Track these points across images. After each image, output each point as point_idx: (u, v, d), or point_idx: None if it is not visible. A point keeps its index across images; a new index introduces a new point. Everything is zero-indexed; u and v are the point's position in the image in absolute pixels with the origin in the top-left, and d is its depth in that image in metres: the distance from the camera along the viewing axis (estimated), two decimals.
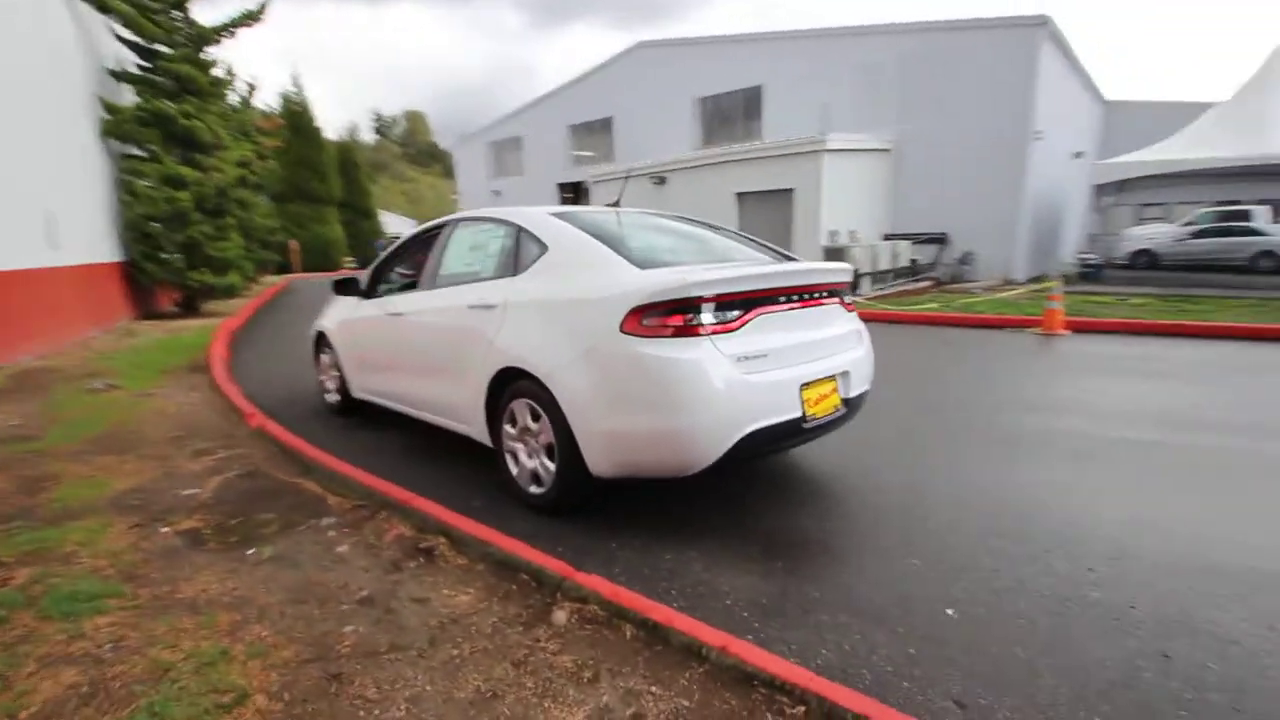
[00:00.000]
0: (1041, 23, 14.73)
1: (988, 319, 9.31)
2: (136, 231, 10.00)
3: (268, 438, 4.37)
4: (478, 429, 3.53)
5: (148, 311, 10.99)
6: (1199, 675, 1.93)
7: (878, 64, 16.71)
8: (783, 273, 3.00)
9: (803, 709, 1.67)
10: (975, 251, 16.05)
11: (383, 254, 4.71)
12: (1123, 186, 17.30)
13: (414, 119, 74.56)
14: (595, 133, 23.36)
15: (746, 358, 2.78)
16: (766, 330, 2.89)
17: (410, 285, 4.93)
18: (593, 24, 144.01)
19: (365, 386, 4.72)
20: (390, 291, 4.69)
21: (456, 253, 3.95)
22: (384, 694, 1.86)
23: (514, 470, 3.31)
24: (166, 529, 3.05)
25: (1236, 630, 2.14)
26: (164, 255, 10.20)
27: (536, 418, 3.10)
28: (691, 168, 16.52)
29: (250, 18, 11.28)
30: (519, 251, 3.41)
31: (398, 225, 43.27)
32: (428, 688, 1.88)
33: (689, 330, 2.68)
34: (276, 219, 14.00)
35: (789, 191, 14.87)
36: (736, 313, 2.80)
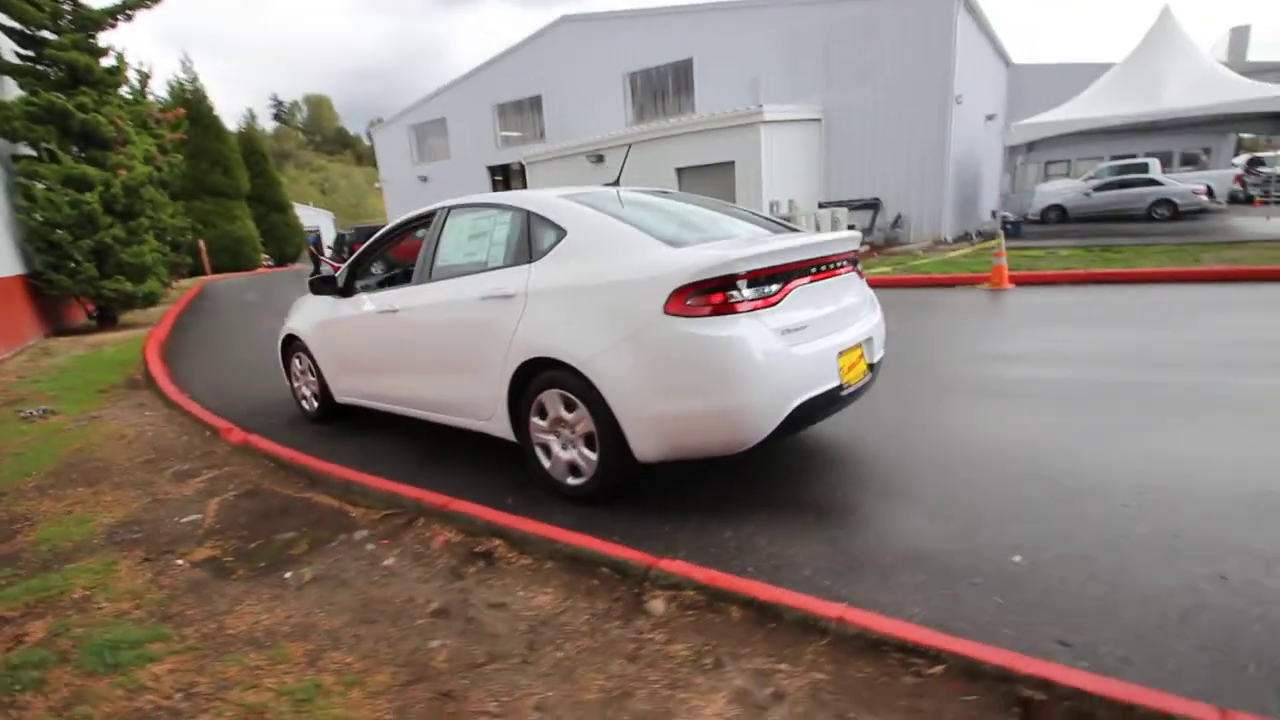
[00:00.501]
0: None
1: (938, 278, 9.73)
2: (40, 240, 9.03)
3: (256, 453, 4.08)
4: (499, 425, 3.41)
5: (60, 327, 10.00)
6: (1257, 591, 2.10)
7: (804, 34, 16.94)
8: (813, 244, 3.02)
9: (940, 668, 1.71)
10: (906, 215, 16.71)
11: (360, 249, 4.43)
12: (1032, 145, 18.31)
13: (317, 104, 70.37)
14: (524, 112, 22.72)
15: (789, 330, 2.79)
16: (801, 302, 2.91)
17: (396, 280, 4.72)
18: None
19: (352, 390, 4.46)
20: (372, 288, 4.44)
21: (454, 242, 3.76)
22: (506, 706, 1.78)
23: (546, 464, 3.22)
24: (181, 560, 2.81)
25: (1273, 548, 2.34)
26: (73, 264, 9.27)
27: (571, 407, 3.02)
28: (630, 144, 16.34)
29: None
30: (531, 237, 3.27)
31: (314, 219, 41.05)
32: (549, 694, 1.82)
33: (733, 307, 2.66)
34: (185, 218, 12.90)
35: (729, 164, 14.98)
36: (775, 286, 2.80)
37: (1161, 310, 6.71)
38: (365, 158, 71.76)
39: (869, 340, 3.29)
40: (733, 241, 3.01)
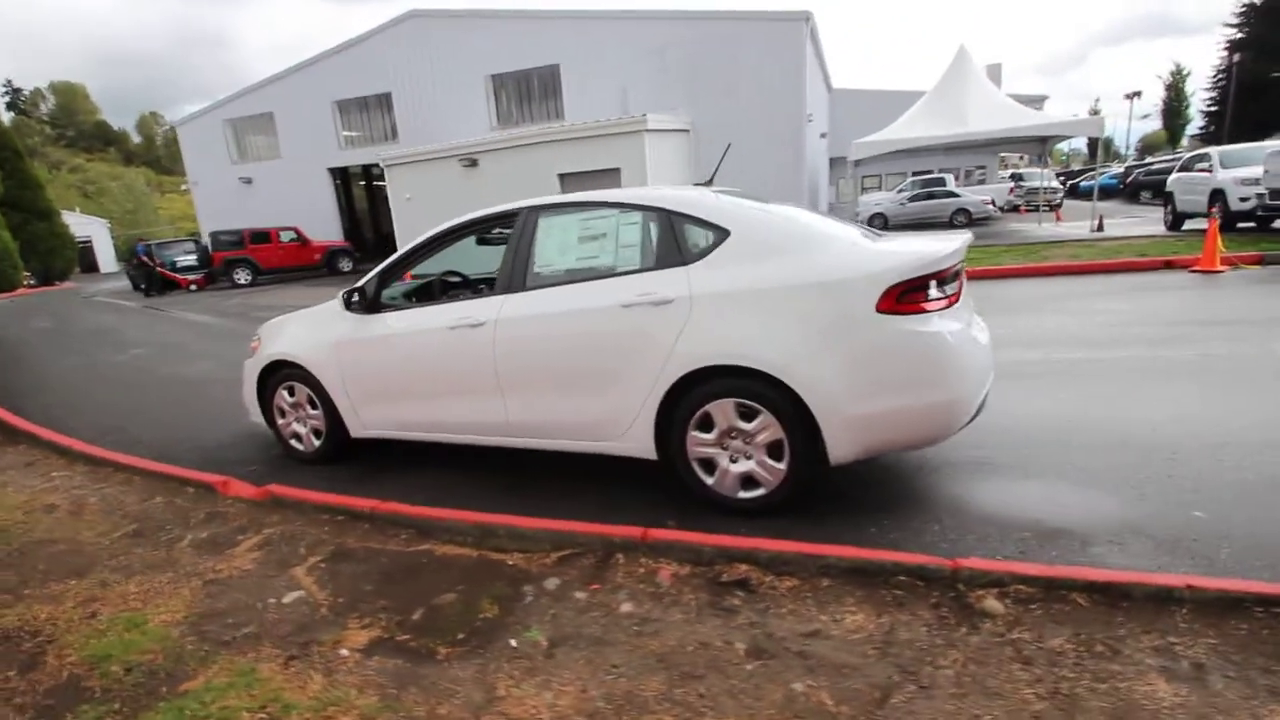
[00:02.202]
0: (806, 17, 16.84)
1: None
2: None
3: (300, 507, 3.31)
4: (635, 444, 3.11)
5: None
6: None
7: (669, 48, 17.58)
8: (966, 244, 3.14)
9: None
10: None
11: (392, 258, 3.79)
12: (859, 161, 20.71)
13: (68, 92, 58.30)
14: (370, 109, 20.89)
15: (966, 326, 2.90)
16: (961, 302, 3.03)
17: (433, 292, 4.15)
18: None
19: (387, 421, 3.80)
20: (402, 303, 3.83)
21: (556, 246, 3.36)
22: None
23: (708, 479, 3.01)
24: (344, 650, 2.20)
25: None
26: None
27: (750, 416, 2.86)
28: (508, 148, 15.77)
29: None
30: (679, 239, 3.04)
31: (85, 227, 34.35)
32: (998, 714, 1.70)
33: (936, 303, 2.71)
34: None
35: (615, 171, 15.03)
36: (954, 286, 2.89)
37: (1056, 299, 7.84)
38: (137, 156, 61.31)
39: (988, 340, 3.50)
40: (922, 240, 3.01)
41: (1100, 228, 14.74)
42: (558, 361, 3.20)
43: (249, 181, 22.70)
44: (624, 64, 17.93)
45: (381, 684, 2.02)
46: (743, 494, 2.96)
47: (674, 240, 3.04)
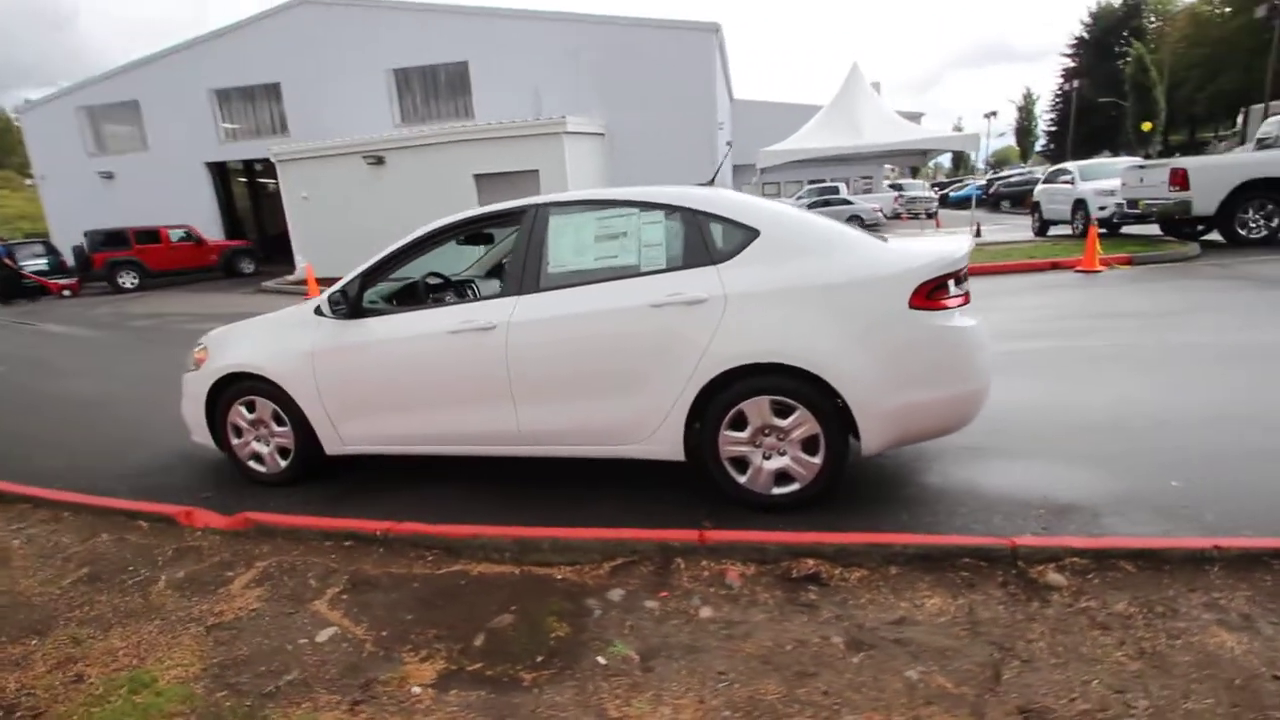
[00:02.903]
0: (715, 29, 17.35)
1: None
2: None
3: (293, 534, 2.96)
4: (662, 446, 3.06)
5: None
6: None
7: (580, 50, 17.50)
8: (973, 246, 3.31)
9: None
10: None
11: (375, 259, 3.49)
12: (764, 170, 21.62)
13: None
14: (255, 100, 19.22)
15: (979, 322, 3.08)
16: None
17: (435, 294, 3.88)
18: None
19: (374, 435, 3.49)
20: (386, 307, 3.56)
21: (570, 245, 3.23)
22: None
23: (740, 478, 3.01)
24: (414, 688, 1.99)
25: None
26: None
27: (784, 413, 2.89)
28: (418, 146, 15.08)
29: None
30: (707, 238, 3.02)
31: None
32: (1130, 678, 1.81)
33: (956, 300, 2.86)
34: None
35: (533, 173, 14.78)
36: (966, 284, 3.06)
37: (1005, 295, 8.22)
38: None
39: None
40: (932, 241, 3.15)
41: (979, 233, 16.21)
42: (580, 365, 3.08)
43: (110, 176, 20.20)
44: (536, 64, 17.65)
45: (474, 719, 1.85)
46: (776, 490, 2.99)
47: (701, 239, 3.02)
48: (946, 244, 2.96)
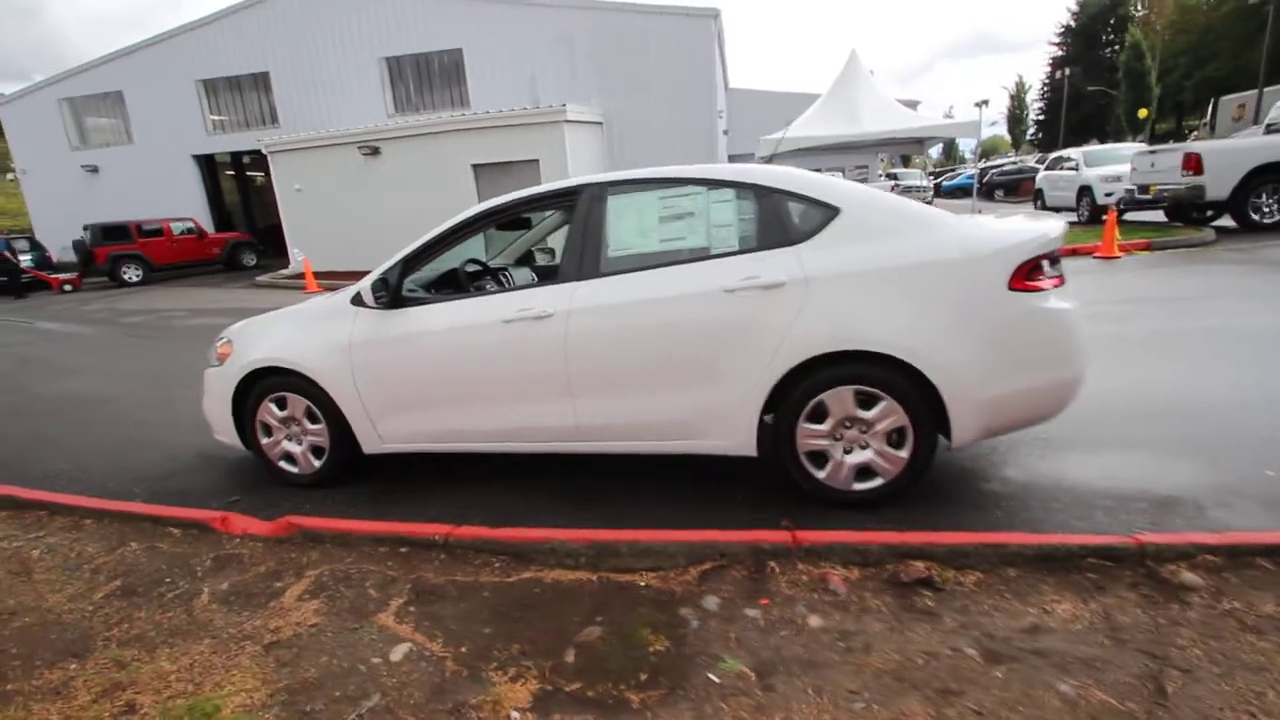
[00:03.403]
0: (714, 15, 17.08)
1: None
2: None
3: (331, 538, 2.75)
4: (735, 440, 2.87)
5: None
6: None
7: (577, 39, 17.18)
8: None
9: None
10: None
11: (417, 243, 3.27)
12: (771, 158, 21.41)
13: None
14: (244, 91, 18.73)
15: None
16: None
17: (477, 283, 3.67)
18: None
19: (418, 432, 3.28)
20: (427, 296, 3.35)
21: (632, 227, 3.02)
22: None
23: (820, 473, 2.83)
24: (513, 712, 1.79)
25: None
26: None
27: (869, 404, 2.71)
28: (414, 136, 14.72)
29: None
30: (783, 217, 2.83)
31: None
32: None
33: (1052, 281, 2.69)
34: None
35: (534, 162, 14.46)
36: (1059, 265, 2.87)
37: None
38: None
39: None
40: (1020, 219, 2.95)
41: None
42: (646, 355, 2.88)
43: (94, 170, 19.62)
44: (531, 52, 17.31)
45: None
46: (858, 485, 2.81)
47: (777, 219, 2.83)
48: (1038, 223, 2.77)
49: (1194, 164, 10.15)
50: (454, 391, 3.17)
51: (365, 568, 2.57)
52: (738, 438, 2.88)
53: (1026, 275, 2.60)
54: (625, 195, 3.05)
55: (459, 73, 17.71)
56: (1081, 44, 50.39)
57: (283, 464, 3.56)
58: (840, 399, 2.72)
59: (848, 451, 2.80)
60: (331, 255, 15.28)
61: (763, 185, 2.86)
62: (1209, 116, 29.53)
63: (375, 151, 14.92)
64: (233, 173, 23.02)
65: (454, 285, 3.61)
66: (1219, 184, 9.95)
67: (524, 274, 4.48)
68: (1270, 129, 11.25)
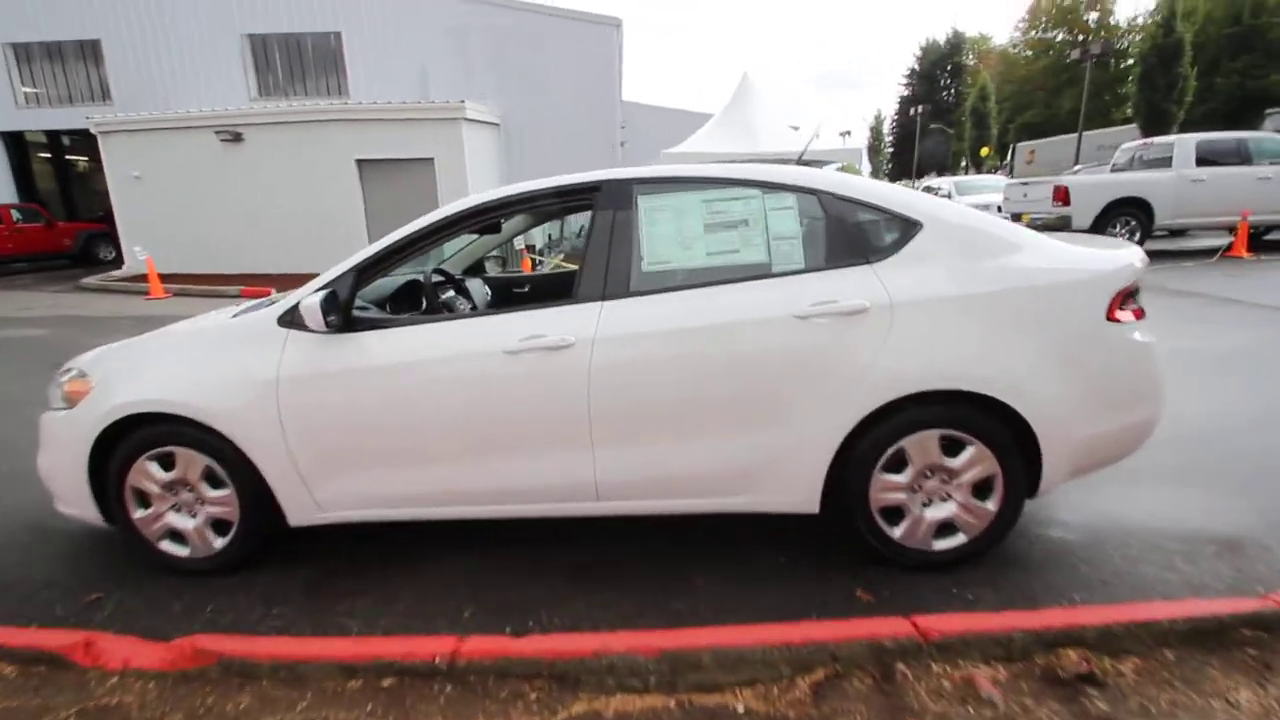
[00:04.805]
0: (617, 24, 16.77)
1: None
2: None
3: (268, 671, 1.91)
4: (796, 495, 2.38)
5: None
6: None
7: (472, 33, 16.15)
8: None
9: None
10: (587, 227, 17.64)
11: (376, 248, 2.47)
12: None
13: None
14: (67, 60, 15.71)
15: None
16: None
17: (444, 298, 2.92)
18: None
19: (374, 495, 2.47)
20: (408, 314, 2.59)
21: (672, 236, 2.42)
22: None
23: (894, 531, 2.40)
24: None
25: None
26: None
27: (955, 450, 2.33)
28: (288, 123, 13.03)
29: None
30: (856, 229, 2.38)
31: None
32: None
33: (1138, 311, 2.45)
34: None
35: (428, 161, 13.31)
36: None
37: None
38: None
39: None
40: (1100, 246, 2.68)
41: None
42: (691, 394, 2.31)
43: None
44: (422, 43, 16.04)
45: None
46: (938, 544, 2.41)
47: (850, 232, 2.37)
48: (1119, 249, 2.52)
49: (1063, 196, 11.19)
50: (431, 442, 2.41)
51: (333, 717, 1.77)
52: (798, 492, 2.38)
53: (1120, 304, 2.33)
54: (660, 196, 2.46)
55: (336, 59, 16.03)
56: (925, 86, 55.98)
57: (166, 545, 2.59)
58: (924, 445, 2.31)
59: (927, 505, 2.39)
60: (179, 255, 13.13)
61: (831, 192, 2.39)
62: (1009, 159, 33.88)
63: (237, 138, 13.02)
64: (48, 155, 19.35)
65: (415, 302, 2.83)
66: (1083, 214, 11.03)
67: (477, 287, 3.74)
68: (1115, 169, 12.70)
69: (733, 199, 2.44)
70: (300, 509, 2.51)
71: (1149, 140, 12.65)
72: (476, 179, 14.01)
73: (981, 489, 2.36)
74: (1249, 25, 33.50)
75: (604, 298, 2.35)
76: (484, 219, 2.58)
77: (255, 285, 11.60)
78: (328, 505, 2.51)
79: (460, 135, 13.29)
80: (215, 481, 2.50)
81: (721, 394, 2.30)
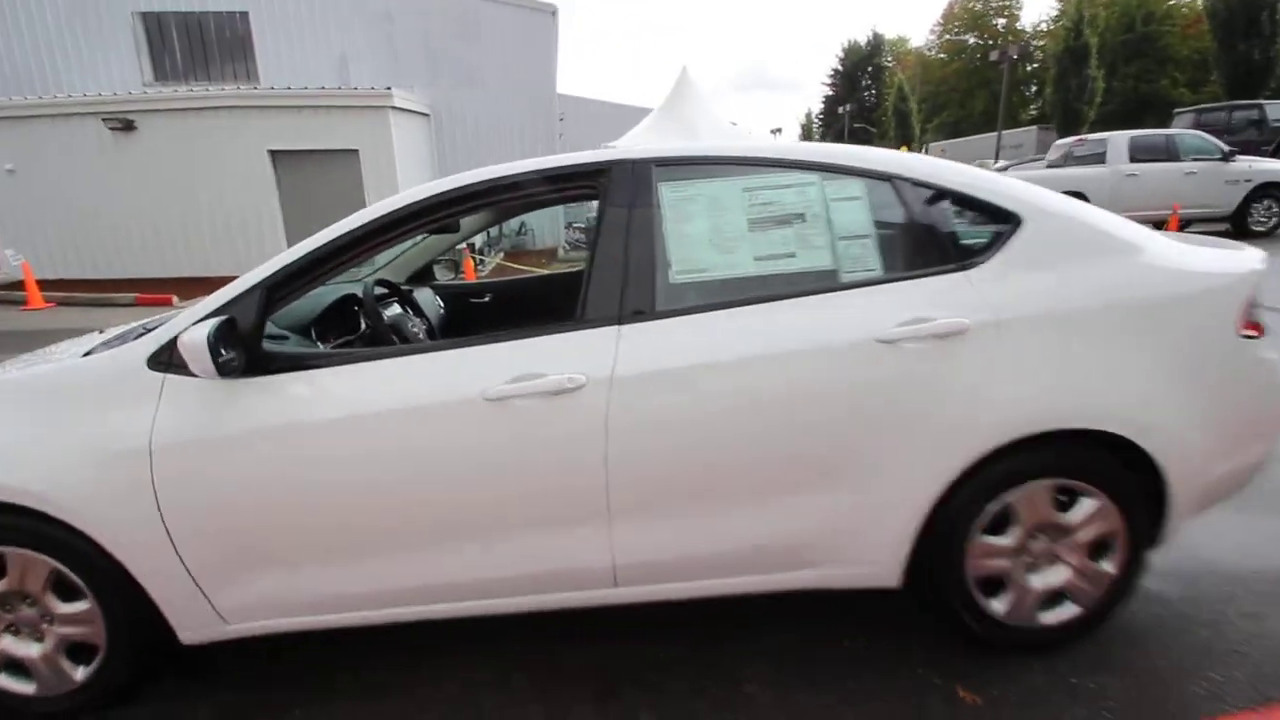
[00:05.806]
0: (553, 11, 15.98)
1: None
2: None
3: None
4: (874, 566, 1.87)
5: None
6: None
7: (397, 18, 15.01)
8: None
9: None
10: (529, 224, 16.81)
11: (288, 256, 1.76)
12: None
13: None
14: None
15: None
16: None
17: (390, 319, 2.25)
18: None
19: (299, 598, 1.79)
20: (337, 353, 1.92)
21: (706, 234, 1.82)
22: None
23: (997, 605, 1.90)
24: None
25: None
26: None
27: (1067, 505, 1.85)
28: (188, 110, 11.64)
29: None
30: (941, 226, 1.86)
31: None
32: None
33: (1260, 325, 2.04)
34: None
35: (352, 153, 12.20)
36: None
37: None
38: None
39: None
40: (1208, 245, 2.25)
41: None
42: (749, 447, 1.74)
43: None
44: (341, 27, 14.77)
45: None
46: (1046, 618, 1.94)
47: (935, 229, 1.86)
48: (1234, 249, 2.10)
49: None
50: (382, 525, 1.74)
51: None
52: (879, 563, 1.86)
53: (1248, 314, 1.91)
54: (687, 183, 1.87)
55: (244, 41, 14.56)
56: (847, 86, 57.48)
57: (3, 679, 1.81)
58: (1033, 499, 1.83)
59: (1034, 570, 1.90)
60: (62, 259, 11.57)
61: (909, 177, 1.87)
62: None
63: (129, 126, 11.53)
64: None
65: (352, 324, 2.13)
66: None
67: (428, 299, 3.05)
68: (1051, 165, 12.97)
69: (784, 186, 1.87)
70: (195, 622, 1.80)
71: (1083, 138, 12.96)
72: (407, 173, 12.97)
73: (1100, 547, 1.90)
74: (1141, 32, 35.92)
75: (620, 320, 1.74)
76: (443, 214, 1.90)
77: (153, 292, 10.30)
78: (234, 615, 1.80)
79: (388, 125, 12.24)
80: (68, 592, 1.75)
81: (783, 445, 1.74)
